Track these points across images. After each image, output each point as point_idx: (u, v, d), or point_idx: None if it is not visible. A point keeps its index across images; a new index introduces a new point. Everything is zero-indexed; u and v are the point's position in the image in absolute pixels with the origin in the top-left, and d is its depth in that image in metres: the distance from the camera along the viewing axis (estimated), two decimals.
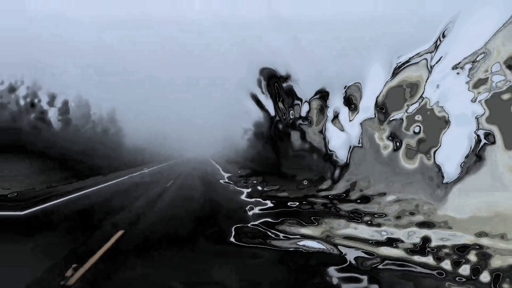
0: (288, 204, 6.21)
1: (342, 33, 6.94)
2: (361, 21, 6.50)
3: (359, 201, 6.20)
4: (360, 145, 7.73)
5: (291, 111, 10.55)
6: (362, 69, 7.17)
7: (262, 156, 13.41)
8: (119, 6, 8.56)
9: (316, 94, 9.05)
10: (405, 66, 6.15)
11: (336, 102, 8.54)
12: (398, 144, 6.54)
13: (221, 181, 9.38)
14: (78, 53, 9.91)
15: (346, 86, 7.82)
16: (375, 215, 5.21)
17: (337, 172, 8.25)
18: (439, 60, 5.64)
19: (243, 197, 7.35)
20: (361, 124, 7.70)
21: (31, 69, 9.21)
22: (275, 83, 10.41)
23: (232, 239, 4.08)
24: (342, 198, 6.52)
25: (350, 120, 8.08)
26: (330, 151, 8.72)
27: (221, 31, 8.89)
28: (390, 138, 6.79)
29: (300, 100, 10.00)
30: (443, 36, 5.53)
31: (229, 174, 12.08)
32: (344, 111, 8.35)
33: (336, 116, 8.61)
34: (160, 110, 14.78)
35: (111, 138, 13.46)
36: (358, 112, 7.88)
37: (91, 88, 11.08)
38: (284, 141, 11.38)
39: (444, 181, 5.11)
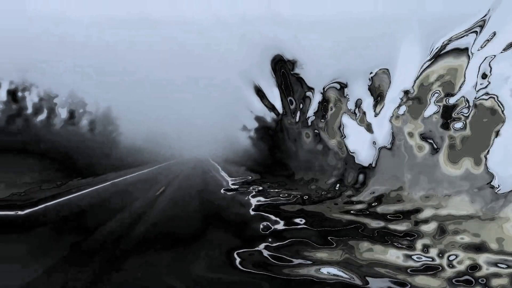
0: (299, 221, 6.02)
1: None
2: None
3: (388, 216, 5.96)
4: (389, 145, 7.72)
5: (301, 104, 10.90)
6: (391, 52, 7.28)
7: (267, 157, 14.10)
8: (119, 6, 9.77)
9: (331, 82, 9.27)
10: (445, 49, 6.17)
11: (357, 92, 8.77)
12: (436, 144, 6.46)
13: (222, 190, 9.30)
14: (78, 53, 11.39)
15: (371, 73, 8.05)
16: (409, 235, 5.02)
17: (359, 178, 8.31)
18: (488, 40, 5.63)
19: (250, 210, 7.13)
20: (390, 119, 7.75)
21: (30, 69, 10.61)
22: (282, 69, 10.64)
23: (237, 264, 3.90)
24: (366, 212, 6.34)
25: (375, 115, 8.13)
26: (351, 152, 8.91)
27: (221, 30, 10.06)
28: (425, 137, 6.77)
29: (312, 90, 10.36)
30: (490, 13, 5.55)
31: (232, 180, 11.96)
32: (367, 104, 8.51)
33: (357, 110, 8.83)
34: (160, 110, 16.75)
35: (105, 137, 14.89)
36: (386, 105, 7.97)
37: (91, 88, 12.67)
38: (293, 140, 11.76)
39: (499, 192, 5.04)
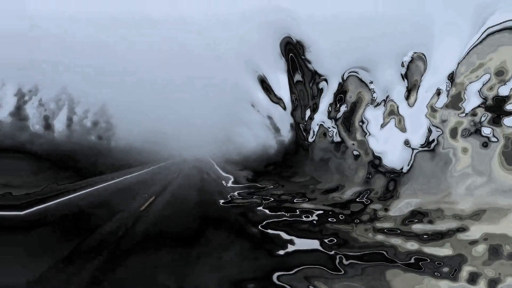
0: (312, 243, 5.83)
1: None
2: None
3: (424, 236, 5.73)
4: (426, 145, 7.54)
5: (314, 95, 11.08)
6: (428, 31, 7.43)
7: (274, 158, 14.89)
8: (118, 6, 11.18)
9: (351, 69, 9.57)
10: (496, 29, 6.14)
11: (384, 81, 8.84)
12: (486, 145, 6.29)
13: (221, 201, 9.19)
14: (78, 53, 13.09)
15: (404, 58, 8.04)
16: (451, 261, 4.81)
17: (389, 187, 8.13)
18: None
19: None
20: (426, 114, 7.60)
21: (29, 69, 12.28)
22: (290, 53, 10.92)
23: None
24: (397, 231, 6.12)
25: (409, 107, 8.01)
26: (376, 154, 8.85)
27: (221, 30, 11.40)
28: (472, 135, 6.59)
29: (326, 80, 10.55)
30: None
31: (236, 187, 11.94)
32: (398, 94, 8.43)
33: (384, 102, 8.78)
34: (159, 110, 18.83)
35: (100, 137, 17.12)
36: (421, 95, 7.89)
37: (91, 88, 14.57)
38: (304, 138, 11.95)
39: None
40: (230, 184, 12.96)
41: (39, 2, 11.09)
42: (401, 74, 8.25)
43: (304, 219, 7.11)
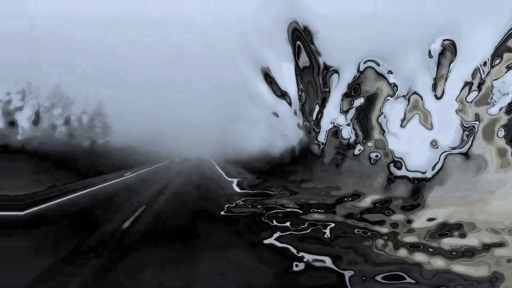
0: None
1: None
2: None
3: (455, 253, 5.59)
4: (457, 146, 7.45)
5: (325, 89, 11.05)
6: (459, 14, 7.64)
7: (280, 161, 15.23)
8: (118, 6, 12.53)
9: (368, 58, 9.62)
10: None
11: (406, 71, 8.83)
12: None
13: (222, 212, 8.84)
14: (77, 53, 14.70)
15: (431, 46, 7.98)
16: (487, 283, 4.67)
17: (412, 195, 8.06)
18: None
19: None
20: (457, 110, 7.53)
21: (28, 69, 13.68)
22: (298, 40, 10.99)
23: None
24: (420, 247, 5.96)
25: (437, 98, 7.93)
26: (396, 157, 8.83)
27: (221, 30, 12.72)
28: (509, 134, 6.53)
29: (337, 71, 10.56)
30: None
31: (241, 193, 11.91)
32: (423, 85, 8.36)
33: (406, 95, 8.75)
34: (159, 110, 20.79)
35: (94, 137, 19.01)
36: (450, 87, 7.86)
37: (91, 88, 16.26)
38: (314, 137, 11.94)
39: None
40: (234, 189, 13.07)
41: (39, 2, 12.41)
42: (427, 63, 8.25)
43: (313, 233, 7.03)
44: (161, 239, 6.45)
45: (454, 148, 7.53)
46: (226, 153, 27.28)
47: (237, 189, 12.96)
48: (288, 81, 12.24)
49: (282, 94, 12.50)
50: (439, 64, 8.15)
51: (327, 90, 10.95)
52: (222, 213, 8.73)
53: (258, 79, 12.65)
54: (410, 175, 8.37)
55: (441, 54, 8.08)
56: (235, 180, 15.35)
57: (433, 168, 7.82)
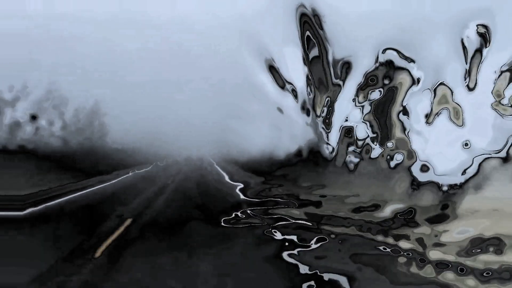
0: None
1: None
2: None
3: (489, 273, 5.50)
4: (495, 149, 7.43)
5: (337, 80, 11.03)
6: None
7: (286, 164, 15.46)
8: (118, 6, 14.52)
9: (387, 44, 9.72)
10: None
11: (433, 58, 8.92)
12: None
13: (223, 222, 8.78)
14: (76, 53, 16.45)
15: (464, 31, 8.06)
16: None
17: (439, 206, 7.97)
18: None
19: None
20: (493, 105, 7.61)
21: (27, 68, 15.34)
22: (305, 23, 11.11)
23: None
24: (448, 265, 5.89)
25: (470, 90, 7.98)
26: (422, 160, 8.89)
27: (221, 29, 14.25)
28: None
29: (348, 63, 10.70)
30: None
31: (244, 200, 11.94)
32: (453, 75, 8.39)
33: (433, 87, 8.78)
34: (158, 110, 23.09)
35: (89, 137, 20.81)
36: (482, 80, 7.90)
37: (90, 89, 18.25)
38: (324, 136, 11.98)
39: None
40: (237, 195, 13.29)
41: (39, 1, 14.03)
42: (458, 50, 8.30)
43: (325, 248, 7.04)
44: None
45: (490, 150, 7.58)
46: (227, 154, 29.24)
47: (241, 195, 13.14)
48: (294, 72, 12.45)
49: (288, 87, 12.71)
50: (471, 51, 8.22)
51: (340, 81, 11.01)
52: (223, 223, 8.81)
53: (261, 70, 12.99)
54: (438, 180, 8.36)
55: (475, 40, 8.17)
56: (238, 186, 15.54)
57: (464, 173, 7.83)
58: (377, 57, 9.91)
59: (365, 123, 10.50)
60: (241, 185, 15.74)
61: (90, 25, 15.45)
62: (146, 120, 22.25)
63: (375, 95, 10.09)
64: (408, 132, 9.35)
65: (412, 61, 9.28)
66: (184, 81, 20.43)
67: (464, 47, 8.29)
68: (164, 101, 21.53)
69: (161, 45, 17.44)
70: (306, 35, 11.27)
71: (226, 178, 19.76)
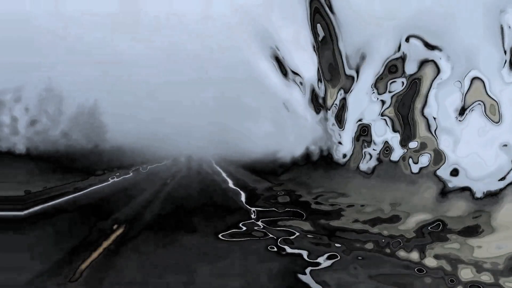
0: None
1: None
2: None
3: None
4: None
5: (351, 70, 11.17)
6: None
7: (293, 167, 15.89)
8: (117, 6, 16.96)
9: (407, 31, 9.85)
10: None
11: (459, 46, 9.03)
12: None
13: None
14: (75, 53, 18.95)
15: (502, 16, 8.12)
16: None
17: (473, 217, 7.96)
18: None
19: None
20: None
21: (26, 69, 17.04)
22: (315, 6, 11.38)
23: None
24: (484, 285, 5.89)
25: (507, 82, 7.97)
26: (452, 161, 8.90)
27: (220, 31, 16.52)
28: None
29: (364, 51, 10.97)
30: None
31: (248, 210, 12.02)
32: (487, 66, 8.41)
33: (463, 78, 8.81)
34: (158, 112, 26.28)
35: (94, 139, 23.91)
36: None
37: (88, 88, 20.76)
38: (336, 135, 12.19)
39: None
40: (240, 202, 13.48)
41: (39, 2, 16.55)
42: (494, 35, 8.30)
43: (338, 267, 7.02)
44: None
45: None
46: (229, 156, 31.41)
47: (244, 202, 13.29)
48: (301, 61, 12.73)
49: (294, 79, 13.08)
50: (509, 37, 8.20)
51: (354, 71, 11.17)
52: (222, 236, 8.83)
53: (265, 61, 13.50)
54: (471, 186, 8.34)
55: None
56: (243, 194, 15.65)
57: (503, 178, 7.79)
58: (399, 44, 9.97)
59: (384, 120, 10.58)
60: (245, 193, 15.82)
61: (90, 25, 17.95)
62: (146, 120, 25.02)
63: (396, 86, 10.13)
64: (435, 130, 9.35)
65: (439, 48, 9.34)
66: (185, 82, 23.06)
67: (502, 33, 8.32)
68: (164, 101, 23.96)
69: (160, 45, 19.99)
70: (315, 18, 11.42)
71: (230, 183, 20.04)
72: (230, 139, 26.93)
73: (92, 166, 21.42)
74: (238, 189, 16.78)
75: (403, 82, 10.00)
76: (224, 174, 25.15)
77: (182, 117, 28.42)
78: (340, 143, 11.94)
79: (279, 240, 8.50)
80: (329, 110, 12.08)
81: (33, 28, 16.62)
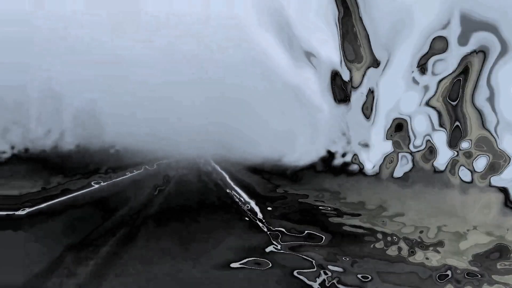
0: None
1: None
2: None
3: None
4: None
5: (382, 49, 11.44)
6: None
7: (310, 176, 16.04)
8: (117, 6, 19.30)
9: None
10: None
11: None
12: None
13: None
14: (74, 53, 21.46)
15: None
16: None
17: None
18: None
19: None
20: None
21: (25, 69, 19.82)
22: None
23: None
24: None
25: None
26: None
27: (219, 31, 18.62)
28: None
29: (399, 20, 11.27)
30: None
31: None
32: None
33: None
34: (157, 112, 29.59)
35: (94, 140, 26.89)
36: None
37: (89, 90, 23.62)
38: (362, 132, 12.37)
39: None
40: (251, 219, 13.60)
41: (39, 2, 18.57)
42: None
43: None
44: None
45: None
46: (231, 157, 34.31)
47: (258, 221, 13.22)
48: (316, 36, 12.91)
49: (307, 60, 13.24)
50: None
51: (385, 51, 11.26)
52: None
53: (271, 36, 13.97)
54: None
55: None
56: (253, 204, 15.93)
57: None
58: (450, 13, 9.90)
59: (427, 112, 10.60)
60: (257, 207, 15.66)
61: (90, 25, 20.58)
62: (145, 120, 28.51)
63: (443, 68, 10.06)
64: (495, 126, 9.26)
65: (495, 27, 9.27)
66: (184, 82, 25.97)
67: None
68: (163, 101, 27.24)
69: (160, 45, 22.56)
70: None
71: (242, 194, 20.62)
72: (232, 140, 29.81)
73: (92, 166, 24.63)
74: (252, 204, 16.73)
75: (452, 64, 9.95)
76: (228, 178, 27.30)
77: (182, 117, 31.90)
78: (366, 144, 12.04)
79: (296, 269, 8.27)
80: (353, 99, 12.19)
81: (33, 28, 19.27)
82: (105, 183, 21.78)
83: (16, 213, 12.03)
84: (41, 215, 12.26)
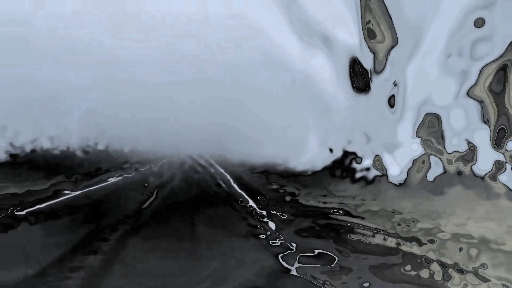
0: None
1: None
2: None
3: None
4: None
5: (411, 25, 11.63)
6: None
7: (320, 175, 16.10)
8: (116, 6, 19.93)
9: None
10: None
11: None
12: None
13: None
14: (74, 54, 21.31)
15: None
16: None
17: None
18: None
19: None
20: None
21: (24, 69, 19.91)
22: None
23: None
24: None
25: None
26: None
27: (219, 30, 18.79)
28: None
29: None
30: None
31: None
32: None
33: None
34: (156, 112, 28.75)
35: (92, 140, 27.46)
36: None
37: (89, 90, 23.05)
38: (388, 131, 12.43)
39: None
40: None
41: (39, 2, 18.96)
42: None
43: None
44: None
45: None
46: (232, 158, 37.42)
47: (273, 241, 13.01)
48: (327, 9, 12.83)
49: (317, 39, 13.28)
50: None
51: (416, 27, 11.11)
52: None
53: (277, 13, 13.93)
54: None
55: None
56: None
57: None
58: None
59: (466, 105, 10.49)
60: (273, 225, 15.20)
61: (90, 26, 20.59)
62: (145, 120, 26.87)
63: (486, 51, 9.91)
64: None
65: None
66: (184, 82, 24.56)
67: None
68: (163, 101, 25.42)
69: (160, 44, 22.19)
70: None
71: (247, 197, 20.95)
72: (233, 141, 31.29)
73: (91, 167, 24.01)
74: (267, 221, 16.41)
75: (497, 46, 9.75)
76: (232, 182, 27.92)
77: (182, 117, 34.83)
78: (392, 144, 11.83)
79: None
80: (375, 88, 12.09)
81: (33, 28, 19.89)
82: (104, 184, 21.58)
83: (16, 213, 12.83)
84: (41, 215, 13.10)
